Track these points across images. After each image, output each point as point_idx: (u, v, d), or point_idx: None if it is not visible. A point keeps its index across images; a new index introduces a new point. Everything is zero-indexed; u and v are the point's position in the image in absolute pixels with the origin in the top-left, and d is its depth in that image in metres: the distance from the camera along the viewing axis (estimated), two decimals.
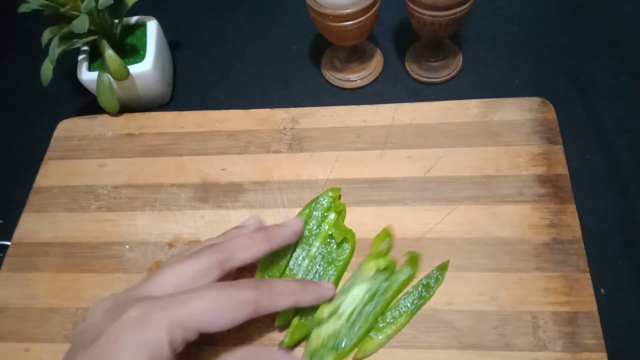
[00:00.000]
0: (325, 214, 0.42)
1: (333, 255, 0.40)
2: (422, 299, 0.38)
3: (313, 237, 0.41)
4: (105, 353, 0.29)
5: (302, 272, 0.40)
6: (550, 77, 0.49)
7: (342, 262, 0.40)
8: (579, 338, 0.35)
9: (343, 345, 0.36)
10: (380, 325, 0.37)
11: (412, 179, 0.43)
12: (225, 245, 0.35)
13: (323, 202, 0.42)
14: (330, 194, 0.43)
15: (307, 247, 0.40)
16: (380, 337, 0.37)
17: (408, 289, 0.39)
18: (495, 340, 0.36)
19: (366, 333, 0.37)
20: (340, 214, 0.42)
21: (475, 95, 0.47)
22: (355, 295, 0.38)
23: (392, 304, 0.38)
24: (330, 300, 0.38)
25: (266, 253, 0.37)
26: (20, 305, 0.42)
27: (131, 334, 0.29)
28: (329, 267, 0.40)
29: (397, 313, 0.38)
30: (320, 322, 0.37)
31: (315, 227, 0.41)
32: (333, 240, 0.41)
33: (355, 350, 0.37)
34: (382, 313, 0.38)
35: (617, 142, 0.45)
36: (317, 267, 0.40)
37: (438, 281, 0.39)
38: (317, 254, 0.40)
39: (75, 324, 0.41)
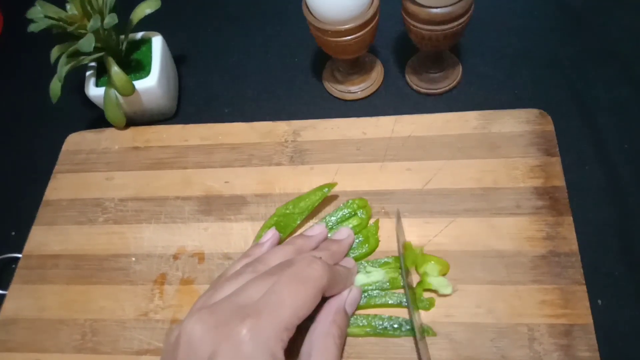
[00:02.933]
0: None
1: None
2: (385, 332, 0.39)
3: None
4: None
5: None
6: (550, 88, 0.49)
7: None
8: (574, 350, 0.36)
9: None
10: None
11: (411, 191, 0.44)
12: (333, 267, 0.37)
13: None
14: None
15: None
16: None
17: (385, 315, 0.39)
18: (492, 353, 0.37)
19: None
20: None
21: (474, 107, 0.48)
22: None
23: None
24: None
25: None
26: (32, 316, 0.43)
27: (248, 349, 0.31)
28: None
29: (358, 321, 0.39)
30: None
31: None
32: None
33: None
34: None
35: (616, 154, 0.45)
36: None
37: (412, 333, 0.38)
38: None
39: (84, 335, 0.42)
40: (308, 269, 0.35)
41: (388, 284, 0.40)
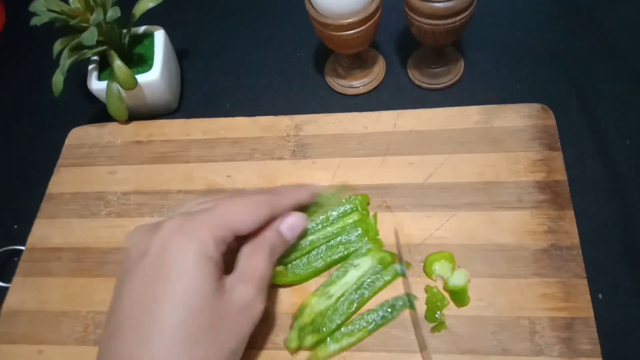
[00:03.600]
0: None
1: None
2: (385, 319, 0.39)
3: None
4: (158, 261, 0.32)
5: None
6: (552, 82, 0.50)
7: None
8: (575, 344, 0.36)
9: (324, 329, 0.38)
10: (337, 335, 0.38)
11: (413, 186, 0.44)
12: (277, 189, 0.41)
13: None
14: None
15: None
16: (334, 347, 0.38)
17: (375, 306, 0.39)
18: (493, 346, 0.37)
19: (344, 321, 0.39)
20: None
21: (476, 101, 0.48)
22: (346, 281, 0.40)
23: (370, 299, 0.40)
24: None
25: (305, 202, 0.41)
26: (34, 309, 0.44)
27: (178, 239, 0.32)
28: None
29: (356, 326, 0.39)
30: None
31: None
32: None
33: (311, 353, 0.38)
34: (359, 307, 0.39)
35: (617, 148, 0.45)
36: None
37: (405, 306, 0.39)
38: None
39: (86, 327, 0.42)
40: (248, 193, 0.38)
41: (379, 266, 0.40)
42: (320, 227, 0.43)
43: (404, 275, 0.40)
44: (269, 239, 0.37)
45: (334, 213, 0.44)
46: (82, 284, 0.44)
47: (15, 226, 0.50)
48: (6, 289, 0.45)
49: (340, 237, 0.42)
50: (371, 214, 0.43)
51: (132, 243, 0.34)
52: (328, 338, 0.38)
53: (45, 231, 0.48)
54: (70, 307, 0.43)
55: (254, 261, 0.35)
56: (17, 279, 0.45)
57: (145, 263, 0.32)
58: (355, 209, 0.43)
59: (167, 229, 0.33)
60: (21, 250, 0.47)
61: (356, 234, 0.42)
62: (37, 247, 0.47)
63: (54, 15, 0.46)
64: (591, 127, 0.47)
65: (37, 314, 0.43)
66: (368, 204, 0.44)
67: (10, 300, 0.44)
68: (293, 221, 0.39)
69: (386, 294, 0.40)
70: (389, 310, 0.39)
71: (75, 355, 0.41)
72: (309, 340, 0.38)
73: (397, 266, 0.40)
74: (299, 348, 0.38)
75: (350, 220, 0.43)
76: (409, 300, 0.39)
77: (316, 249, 0.42)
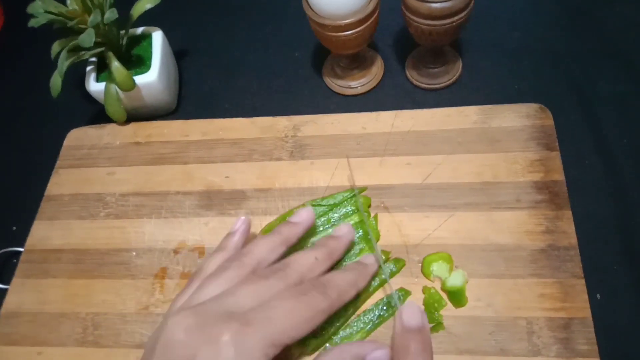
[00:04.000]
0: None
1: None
2: (382, 318, 0.39)
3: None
4: None
5: None
6: (550, 82, 0.49)
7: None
8: (573, 344, 0.36)
9: (323, 333, 0.38)
10: (335, 339, 0.38)
11: (411, 186, 0.44)
12: (294, 269, 0.36)
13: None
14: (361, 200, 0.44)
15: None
16: None
17: (371, 305, 0.40)
18: (490, 346, 0.37)
19: (342, 324, 0.39)
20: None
21: (475, 101, 0.48)
22: None
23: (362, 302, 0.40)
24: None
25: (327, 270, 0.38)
26: (34, 310, 0.44)
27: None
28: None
29: (354, 329, 0.39)
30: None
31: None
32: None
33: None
34: (356, 309, 0.39)
35: (616, 148, 0.45)
36: None
37: (400, 300, 0.39)
38: None
39: (86, 329, 0.42)
40: (308, 293, 0.33)
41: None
42: (322, 229, 0.43)
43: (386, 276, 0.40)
44: None
45: (335, 215, 0.44)
46: (82, 285, 0.44)
47: (14, 227, 0.50)
48: (5, 290, 0.45)
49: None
50: (372, 215, 0.43)
51: (178, 339, 0.31)
52: (327, 343, 0.38)
53: (45, 232, 0.48)
54: (70, 309, 0.44)
55: None
56: (16, 281, 0.45)
57: None
58: (356, 210, 0.43)
59: (222, 342, 0.30)
60: (20, 252, 0.47)
61: (357, 235, 0.42)
62: (36, 249, 0.47)
63: (51, 17, 0.46)
64: (590, 126, 0.46)
65: (36, 315, 0.44)
66: (369, 206, 0.44)
67: (9, 301, 0.45)
68: (380, 357, 0.33)
69: (382, 293, 0.40)
70: (385, 308, 0.39)
71: (74, 356, 0.41)
72: (310, 345, 0.38)
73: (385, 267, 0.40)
74: (301, 353, 0.38)
75: (351, 222, 0.43)
76: (400, 297, 0.39)
77: None
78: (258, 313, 0.32)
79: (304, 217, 0.40)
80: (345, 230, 0.41)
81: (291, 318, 0.32)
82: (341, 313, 0.39)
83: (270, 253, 0.37)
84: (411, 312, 0.34)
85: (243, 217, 0.41)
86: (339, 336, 0.39)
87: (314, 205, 0.44)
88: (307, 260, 0.36)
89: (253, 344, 0.30)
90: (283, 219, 0.44)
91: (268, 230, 0.44)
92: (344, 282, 0.36)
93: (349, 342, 0.38)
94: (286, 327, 0.31)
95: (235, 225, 0.41)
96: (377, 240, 0.42)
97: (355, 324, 0.39)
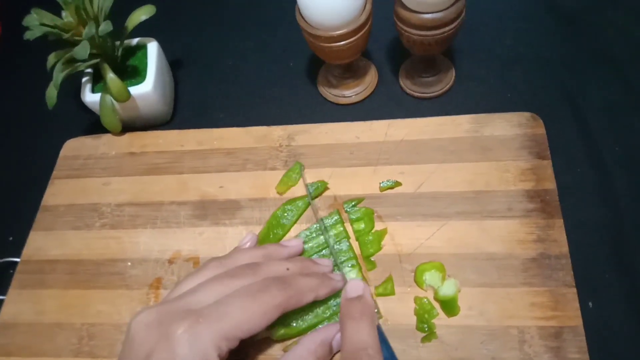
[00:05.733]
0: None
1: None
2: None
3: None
4: None
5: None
6: (543, 90, 0.50)
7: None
8: (564, 352, 0.36)
9: (294, 325, 0.39)
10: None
11: (404, 195, 0.45)
12: (264, 271, 0.37)
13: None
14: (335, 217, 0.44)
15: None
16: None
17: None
18: (482, 355, 0.37)
19: (316, 324, 0.40)
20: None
21: (468, 110, 0.48)
22: None
23: None
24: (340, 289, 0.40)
25: (323, 298, 0.39)
26: (30, 321, 0.44)
27: (183, 350, 0.31)
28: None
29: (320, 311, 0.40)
30: None
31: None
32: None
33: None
34: (334, 313, 0.40)
35: (607, 156, 0.45)
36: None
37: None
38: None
39: (81, 339, 0.42)
40: (265, 288, 0.35)
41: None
42: (314, 235, 0.44)
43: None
44: (318, 355, 0.36)
45: (328, 221, 0.44)
46: (77, 295, 0.45)
47: (11, 238, 0.50)
48: (1, 301, 0.46)
49: (333, 246, 0.43)
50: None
51: (139, 337, 0.33)
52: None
53: (41, 243, 0.48)
54: (65, 319, 0.44)
55: None
56: (12, 291, 0.46)
57: None
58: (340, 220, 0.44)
59: (175, 336, 0.32)
60: (17, 262, 0.47)
61: (347, 243, 0.43)
62: (32, 259, 0.47)
63: (46, 29, 0.47)
64: (582, 135, 0.47)
65: (32, 326, 0.44)
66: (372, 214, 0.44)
67: (5, 312, 0.45)
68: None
69: None
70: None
71: None
72: (277, 331, 0.39)
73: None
74: (266, 337, 0.39)
75: (342, 229, 0.43)
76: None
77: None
78: (213, 309, 0.33)
79: (293, 243, 0.42)
80: (326, 262, 0.42)
81: (243, 313, 0.34)
82: (319, 312, 0.40)
83: (250, 261, 0.38)
84: (353, 285, 0.38)
85: (251, 233, 0.43)
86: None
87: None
88: (279, 267, 0.38)
89: (205, 337, 0.32)
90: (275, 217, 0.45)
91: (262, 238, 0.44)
92: (304, 285, 0.37)
93: (315, 329, 0.39)
94: (239, 321, 0.33)
95: (244, 240, 0.43)
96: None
97: (322, 310, 0.40)
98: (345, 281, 0.40)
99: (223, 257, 0.39)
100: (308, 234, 0.44)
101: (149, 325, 0.33)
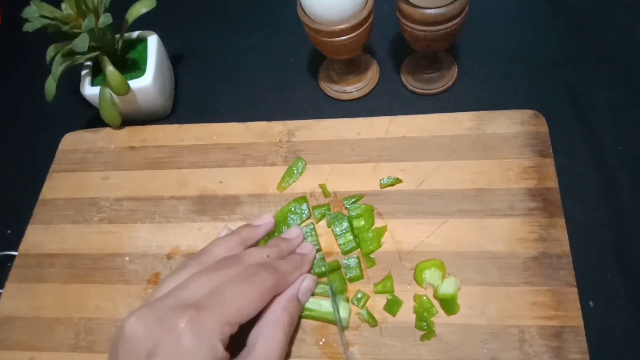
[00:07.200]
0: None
1: None
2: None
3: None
4: None
5: None
6: (546, 88, 0.49)
7: None
8: (564, 352, 0.36)
9: None
10: None
11: (405, 192, 0.44)
12: (245, 261, 0.38)
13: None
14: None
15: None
16: None
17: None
18: (482, 354, 0.37)
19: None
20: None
21: (470, 107, 0.48)
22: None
23: None
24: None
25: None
26: (27, 315, 0.44)
27: (191, 343, 0.31)
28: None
29: None
30: None
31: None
32: None
33: None
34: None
35: (610, 155, 0.45)
36: None
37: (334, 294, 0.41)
38: None
39: (78, 334, 0.42)
40: (255, 273, 0.36)
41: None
42: (313, 234, 0.43)
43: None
44: (289, 311, 0.37)
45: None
46: (75, 290, 0.44)
47: (9, 231, 0.50)
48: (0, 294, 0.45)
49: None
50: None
51: (138, 335, 0.32)
52: None
53: (39, 237, 0.48)
54: (63, 314, 0.44)
55: (270, 344, 0.35)
56: (9, 285, 0.46)
57: None
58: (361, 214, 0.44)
59: (180, 328, 0.32)
60: (14, 256, 0.47)
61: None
62: (30, 253, 0.47)
63: (46, 21, 0.46)
64: (584, 133, 0.46)
65: (30, 320, 0.44)
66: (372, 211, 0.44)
67: (2, 306, 0.45)
68: (308, 286, 0.40)
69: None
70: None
71: None
72: None
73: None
74: None
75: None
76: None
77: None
78: (210, 298, 0.34)
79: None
80: (295, 233, 0.43)
81: (242, 298, 0.34)
82: None
83: (228, 252, 0.39)
84: (308, 292, 0.40)
85: (226, 229, 0.44)
86: None
87: None
88: (259, 255, 0.39)
89: (209, 325, 0.32)
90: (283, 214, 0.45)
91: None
92: (288, 268, 0.39)
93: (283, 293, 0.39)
94: (239, 306, 0.34)
95: (221, 234, 0.43)
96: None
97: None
98: (315, 251, 0.42)
99: (199, 253, 0.39)
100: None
101: (148, 323, 0.33)
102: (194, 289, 0.35)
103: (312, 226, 0.44)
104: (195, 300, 0.34)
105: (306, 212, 0.44)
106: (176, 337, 0.31)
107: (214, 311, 0.33)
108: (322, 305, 0.40)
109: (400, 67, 0.53)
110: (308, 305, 0.40)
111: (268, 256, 0.39)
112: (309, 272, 0.41)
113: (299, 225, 0.44)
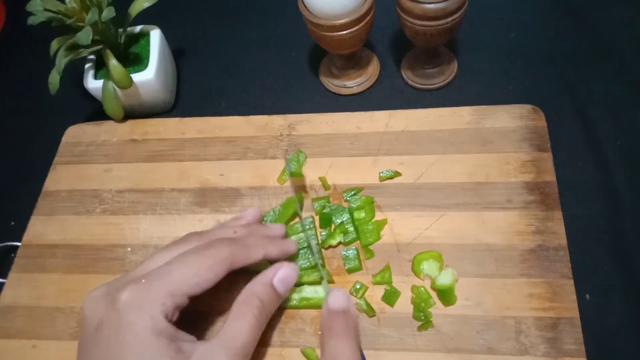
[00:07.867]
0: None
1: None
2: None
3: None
4: (112, 338, 0.32)
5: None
6: (545, 83, 0.50)
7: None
8: (560, 343, 0.36)
9: None
10: None
11: (404, 185, 0.45)
12: (211, 236, 0.38)
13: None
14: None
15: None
16: None
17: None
18: (478, 345, 0.37)
19: None
20: None
21: (470, 102, 0.48)
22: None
23: None
24: (294, 254, 0.41)
25: (274, 257, 0.39)
26: (30, 304, 0.44)
27: (130, 314, 0.32)
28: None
29: None
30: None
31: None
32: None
33: None
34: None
35: (608, 150, 0.45)
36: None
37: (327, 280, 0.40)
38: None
39: (79, 323, 0.42)
40: (210, 245, 0.36)
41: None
42: (312, 226, 0.44)
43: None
44: (260, 296, 0.36)
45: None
46: (77, 280, 0.45)
47: (13, 222, 0.51)
48: (2, 284, 0.46)
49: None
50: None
51: (89, 310, 0.33)
52: None
53: (41, 228, 0.48)
54: (65, 303, 0.44)
55: (236, 326, 0.34)
56: (13, 275, 0.46)
57: (101, 338, 0.32)
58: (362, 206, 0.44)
59: (120, 302, 0.32)
60: (17, 247, 0.48)
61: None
62: (33, 244, 0.47)
63: (50, 14, 0.47)
64: (583, 128, 0.47)
65: (32, 309, 0.44)
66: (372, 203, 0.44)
67: (5, 295, 0.45)
68: (287, 274, 0.38)
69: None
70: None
71: (68, 350, 0.42)
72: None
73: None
74: None
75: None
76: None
77: (305, 249, 0.42)
78: (157, 270, 0.34)
79: (249, 212, 0.43)
80: (276, 227, 0.42)
81: (189, 268, 0.34)
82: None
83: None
84: (336, 296, 0.36)
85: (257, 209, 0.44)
86: None
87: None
88: (226, 231, 0.39)
89: (149, 297, 0.32)
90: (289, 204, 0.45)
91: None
92: (251, 242, 0.38)
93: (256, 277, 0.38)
94: (183, 276, 0.33)
95: (247, 212, 0.43)
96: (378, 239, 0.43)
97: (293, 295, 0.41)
98: (297, 248, 0.41)
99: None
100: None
101: (97, 298, 0.34)
102: (149, 263, 0.36)
103: (311, 219, 0.44)
104: (145, 273, 0.34)
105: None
106: (118, 311, 0.32)
107: (157, 283, 0.33)
108: (317, 292, 0.40)
109: (401, 62, 0.53)
110: (305, 294, 0.40)
111: (235, 232, 0.39)
112: (281, 256, 0.40)
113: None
